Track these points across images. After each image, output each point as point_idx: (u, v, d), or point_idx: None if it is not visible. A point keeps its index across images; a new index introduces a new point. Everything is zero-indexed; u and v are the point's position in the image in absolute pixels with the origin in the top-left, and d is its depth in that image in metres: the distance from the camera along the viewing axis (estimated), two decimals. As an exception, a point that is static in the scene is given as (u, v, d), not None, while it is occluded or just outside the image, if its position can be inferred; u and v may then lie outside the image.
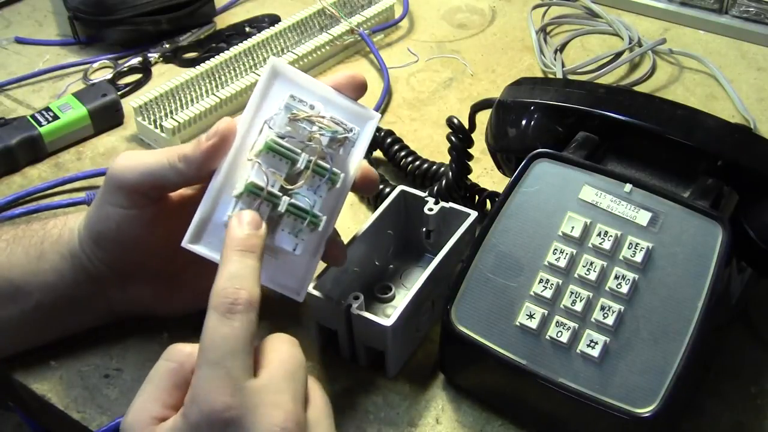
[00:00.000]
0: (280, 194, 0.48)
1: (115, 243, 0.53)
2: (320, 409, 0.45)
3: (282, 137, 0.49)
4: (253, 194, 0.47)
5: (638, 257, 0.50)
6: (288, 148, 0.49)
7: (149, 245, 0.53)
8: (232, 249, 0.45)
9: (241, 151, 0.50)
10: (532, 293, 0.51)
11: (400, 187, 0.61)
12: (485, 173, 0.72)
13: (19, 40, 0.93)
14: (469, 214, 0.59)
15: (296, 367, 0.44)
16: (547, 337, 0.50)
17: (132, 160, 0.51)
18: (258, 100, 0.51)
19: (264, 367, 0.44)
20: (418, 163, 0.70)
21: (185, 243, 0.49)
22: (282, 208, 0.48)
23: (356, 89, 0.53)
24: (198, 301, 0.58)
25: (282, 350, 0.45)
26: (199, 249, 0.49)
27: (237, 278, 0.44)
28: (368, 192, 0.59)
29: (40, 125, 0.76)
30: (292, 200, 0.48)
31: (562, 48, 0.88)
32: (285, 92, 0.50)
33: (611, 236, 0.51)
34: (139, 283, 0.56)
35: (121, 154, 0.52)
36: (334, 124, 0.50)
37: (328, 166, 0.49)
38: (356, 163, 0.53)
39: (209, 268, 0.58)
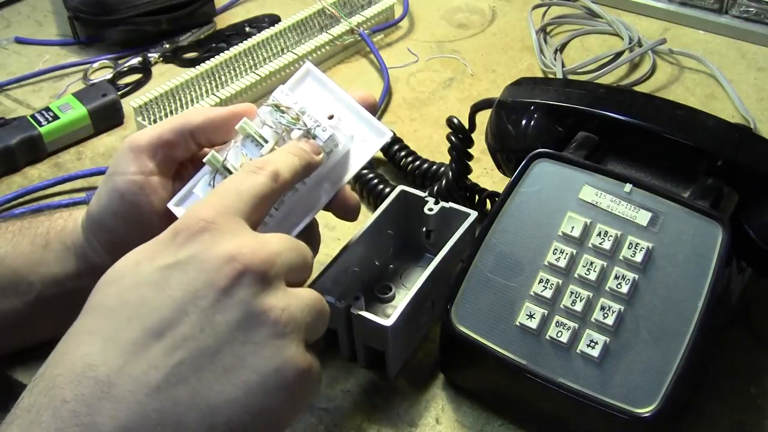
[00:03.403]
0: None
1: (118, 217, 0.53)
2: (307, 297, 0.44)
3: (267, 125, 0.51)
4: (214, 166, 0.50)
5: (638, 257, 0.50)
6: (259, 135, 0.50)
7: (148, 224, 0.53)
8: (283, 148, 0.49)
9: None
10: (532, 293, 0.51)
11: (400, 187, 0.61)
12: (485, 173, 0.72)
13: (19, 40, 0.93)
14: (469, 214, 0.59)
15: (297, 250, 0.44)
16: (547, 337, 0.50)
17: (148, 128, 0.54)
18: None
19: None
20: (418, 163, 0.70)
21: (170, 204, 0.52)
22: None
23: (367, 108, 0.54)
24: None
25: (293, 244, 0.45)
26: (179, 212, 0.51)
27: (272, 159, 0.48)
28: (347, 217, 0.56)
29: (40, 125, 0.76)
30: None
31: (562, 48, 0.88)
32: (308, 94, 0.51)
33: (611, 236, 0.51)
34: None
35: None
36: (301, 120, 0.50)
37: None
38: (349, 173, 0.52)
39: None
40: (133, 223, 0.53)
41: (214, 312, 0.40)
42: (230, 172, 0.50)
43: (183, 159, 0.54)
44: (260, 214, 0.46)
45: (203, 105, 0.78)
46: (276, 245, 0.43)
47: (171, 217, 0.52)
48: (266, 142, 0.50)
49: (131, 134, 0.54)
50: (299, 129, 0.50)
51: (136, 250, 0.43)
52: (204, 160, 0.50)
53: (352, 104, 0.53)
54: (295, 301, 0.42)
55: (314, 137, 0.50)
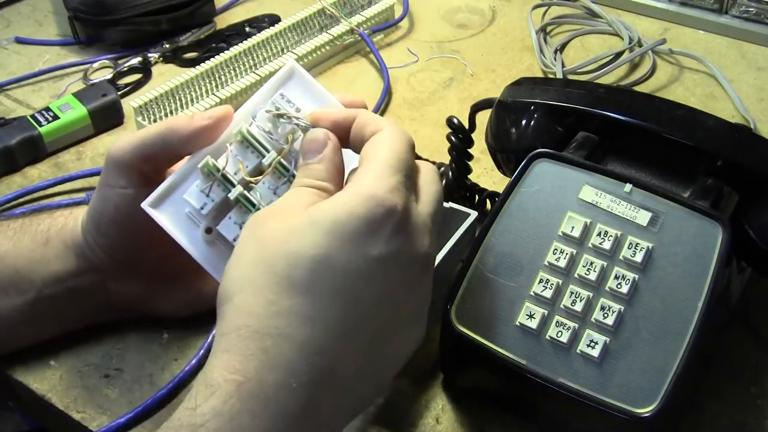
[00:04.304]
0: (235, 182, 0.49)
1: (114, 226, 0.54)
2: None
3: (265, 131, 0.49)
4: (211, 174, 0.48)
5: (638, 257, 0.50)
6: (259, 142, 0.49)
7: (146, 231, 0.53)
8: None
9: (230, 138, 0.50)
10: (532, 293, 0.51)
11: (400, 187, 0.61)
12: (485, 173, 0.72)
13: (19, 40, 0.93)
14: (469, 214, 0.59)
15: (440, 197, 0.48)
16: (547, 337, 0.50)
17: (126, 137, 0.53)
18: (264, 96, 0.51)
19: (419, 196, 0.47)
20: (418, 163, 0.70)
21: (144, 204, 0.50)
22: (232, 195, 0.48)
23: None
24: (197, 302, 0.58)
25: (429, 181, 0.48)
26: (156, 214, 0.50)
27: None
28: None
29: (40, 125, 0.76)
30: (245, 192, 0.48)
31: (562, 48, 0.88)
32: (291, 96, 0.50)
33: (611, 236, 0.51)
34: (137, 275, 0.56)
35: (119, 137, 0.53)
36: (311, 128, 0.49)
37: (289, 167, 0.49)
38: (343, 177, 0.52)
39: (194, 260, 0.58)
40: (130, 229, 0.53)
41: (404, 303, 0.45)
42: (229, 182, 0.48)
43: (170, 167, 0.54)
44: None
45: (204, 105, 0.78)
46: (437, 222, 0.47)
47: None
48: (267, 150, 0.49)
49: (113, 145, 0.53)
50: (300, 137, 0.49)
51: (333, 219, 0.43)
52: (198, 166, 0.49)
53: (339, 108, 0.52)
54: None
55: None
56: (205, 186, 0.49)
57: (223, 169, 0.49)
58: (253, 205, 0.48)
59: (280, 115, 0.49)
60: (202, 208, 0.49)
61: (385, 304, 0.44)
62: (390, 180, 0.44)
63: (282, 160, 0.49)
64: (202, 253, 0.50)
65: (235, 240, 0.48)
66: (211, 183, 0.49)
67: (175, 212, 0.50)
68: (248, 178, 0.49)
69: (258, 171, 0.49)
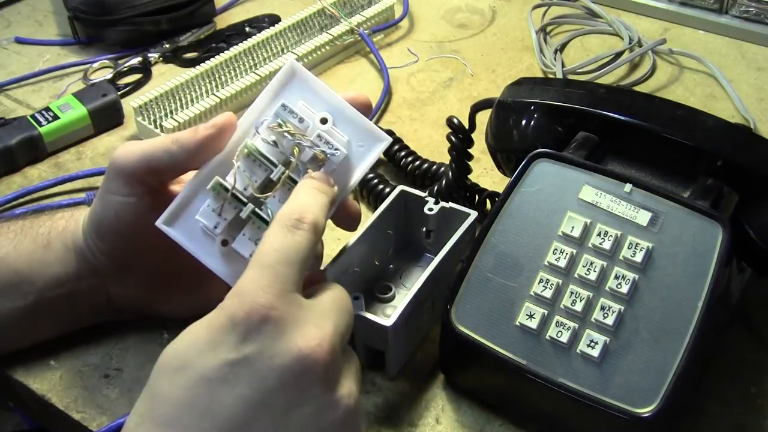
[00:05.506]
0: (246, 200, 0.48)
1: (115, 233, 0.53)
2: (355, 363, 0.45)
3: (269, 143, 0.49)
4: (221, 194, 0.48)
5: (638, 257, 0.50)
6: (266, 157, 0.49)
7: (147, 238, 0.53)
8: (306, 185, 0.47)
9: (237, 147, 0.50)
10: (532, 293, 0.51)
11: (400, 187, 0.61)
12: (485, 173, 0.72)
13: (19, 40, 0.93)
14: (469, 214, 0.59)
15: (346, 310, 0.45)
16: (547, 337, 0.50)
17: (131, 146, 0.52)
18: (267, 100, 0.51)
19: (315, 295, 0.44)
20: (418, 163, 0.70)
21: (159, 222, 0.50)
22: (244, 214, 0.48)
23: (360, 109, 0.52)
24: (198, 304, 0.58)
25: (338, 293, 0.46)
26: (171, 232, 0.50)
27: (306, 205, 0.45)
28: (347, 227, 0.55)
29: (40, 125, 0.76)
30: (257, 209, 0.48)
31: (562, 48, 0.88)
32: (294, 98, 0.50)
33: (611, 236, 0.51)
34: (138, 278, 0.56)
35: (123, 144, 0.53)
36: (316, 143, 0.49)
37: (297, 179, 0.49)
38: (353, 181, 0.51)
39: (210, 272, 0.58)
40: (130, 236, 0.53)
41: (287, 411, 0.40)
42: (240, 201, 0.48)
43: (174, 179, 0.54)
44: (306, 270, 0.44)
45: (204, 105, 0.78)
46: (334, 320, 0.43)
47: (166, 234, 0.51)
48: (274, 165, 0.48)
49: (116, 152, 0.52)
50: (308, 152, 0.49)
51: (196, 332, 0.42)
52: (207, 187, 0.48)
53: (343, 107, 0.51)
54: (352, 374, 0.44)
55: (325, 160, 0.49)
56: (217, 206, 0.48)
57: (233, 188, 0.48)
58: (266, 222, 0.48)
59: (287, 132, 0.49)
60: (215, 227, 0.49)
61: (255, 418, 0.40)
62: (260, 275, 0.42)
63: (291, 174, 0.49)
64: (221, 265, 0.50)
65: (251, 256, 0.48)
66: (221, 203, 0.48)
67: (190, 228, 0.50)
68: (258, 195, 0.48)
69: (267, 183, 0.49)
